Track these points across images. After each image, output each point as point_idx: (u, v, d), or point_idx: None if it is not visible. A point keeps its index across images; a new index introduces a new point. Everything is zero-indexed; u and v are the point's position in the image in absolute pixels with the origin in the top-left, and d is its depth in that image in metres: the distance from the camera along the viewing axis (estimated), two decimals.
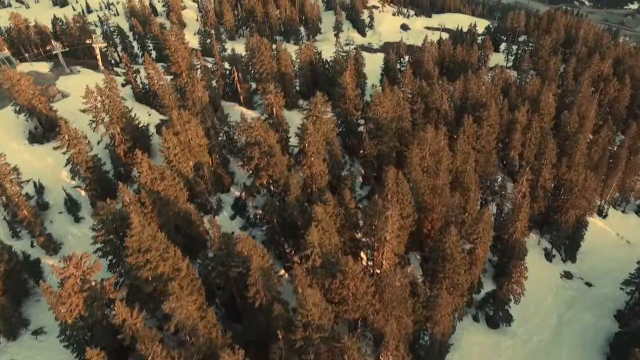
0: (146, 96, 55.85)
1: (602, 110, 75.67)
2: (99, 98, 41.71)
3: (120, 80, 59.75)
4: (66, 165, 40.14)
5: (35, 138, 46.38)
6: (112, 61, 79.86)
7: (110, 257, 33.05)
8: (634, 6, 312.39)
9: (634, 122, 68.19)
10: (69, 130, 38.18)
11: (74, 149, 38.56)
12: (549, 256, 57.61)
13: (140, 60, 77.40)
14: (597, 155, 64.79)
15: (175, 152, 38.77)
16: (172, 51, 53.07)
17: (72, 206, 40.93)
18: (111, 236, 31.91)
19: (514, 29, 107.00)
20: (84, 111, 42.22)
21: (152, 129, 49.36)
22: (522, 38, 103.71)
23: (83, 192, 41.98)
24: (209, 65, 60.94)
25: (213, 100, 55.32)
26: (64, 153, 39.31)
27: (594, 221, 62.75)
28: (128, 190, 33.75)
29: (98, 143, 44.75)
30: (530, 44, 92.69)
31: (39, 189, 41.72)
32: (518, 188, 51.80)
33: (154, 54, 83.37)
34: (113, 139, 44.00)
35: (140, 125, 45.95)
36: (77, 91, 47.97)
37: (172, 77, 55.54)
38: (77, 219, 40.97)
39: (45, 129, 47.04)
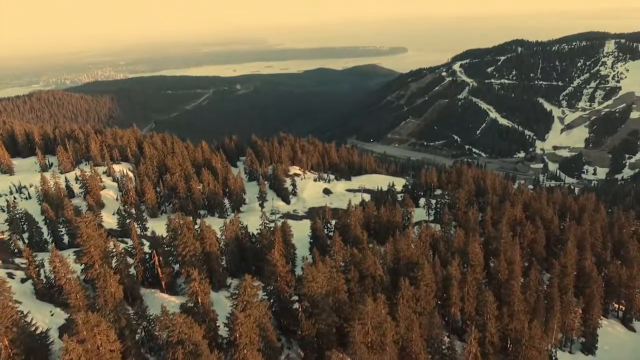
0: (50, 292, 49.22)
1: (525, 253, 78.85)
2: None
3: (20, 274, 53.15)
4: None
5: None
6: (16, 250, 72.65)
7: None
8: (521, 155, 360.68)
9: (556, 261, 70.89)
10: None
11: None
12: None
13: (50, 247, 71.16)
14: (533, 298, 65.18)
15: None
16: (83, 239, 48.72)
17: None
18: None
19: (429, 184, 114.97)
20: None
21: (54, 333, 42.14)
22: (438, 192, 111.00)
23: None
24: (128, 248, 56.55)
25: (131, 289, 50.00)
26: None
27: None
28: None
29: None
30: (446, 197, 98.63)
31: None
32: (467, 349, 48.83)
33: (66, 238, 77.78)
34: None
35: (37, 332, 39.03)
36: None
37: (83, 267, 50.16)
38: None
39: None
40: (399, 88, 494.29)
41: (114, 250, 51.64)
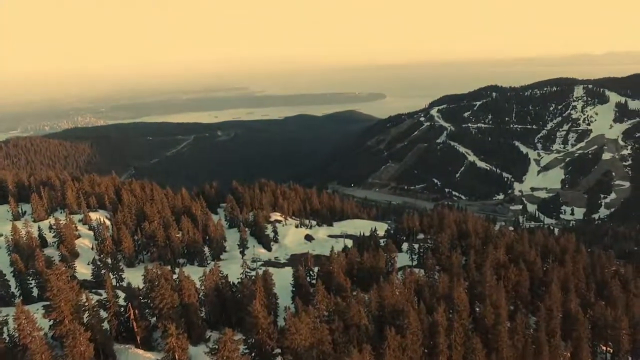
0: (13, 352, 45.93)
1: (509, 296, 77.90)
2: None
3: None
4: None
5: None
6: None
7: None
8: (500, 197, 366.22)
9: (541, 303, 70.07)
10: None
11: None
12: None
13: (17, 301, 67.47)
14: (520, 343, 63.80)
15: None
16: (53, 293, 46.20)
17: None
18: None
19: (411, 229, 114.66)
20: None
21: None
22: (420, 236, 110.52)
23: None
24: (102, 300, 53.84)
25: (103, 346, 47.23)
26: None
27: None
28: None
29: None
30: (429, 241, 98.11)
31: None
32: None
33: (36, 291, 74.18)
34: None
35: None
36: None
37: (51, 324, 47.33)
38: None
39: None
40: (378, 133, 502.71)
41: (86, 303, 49.13)
